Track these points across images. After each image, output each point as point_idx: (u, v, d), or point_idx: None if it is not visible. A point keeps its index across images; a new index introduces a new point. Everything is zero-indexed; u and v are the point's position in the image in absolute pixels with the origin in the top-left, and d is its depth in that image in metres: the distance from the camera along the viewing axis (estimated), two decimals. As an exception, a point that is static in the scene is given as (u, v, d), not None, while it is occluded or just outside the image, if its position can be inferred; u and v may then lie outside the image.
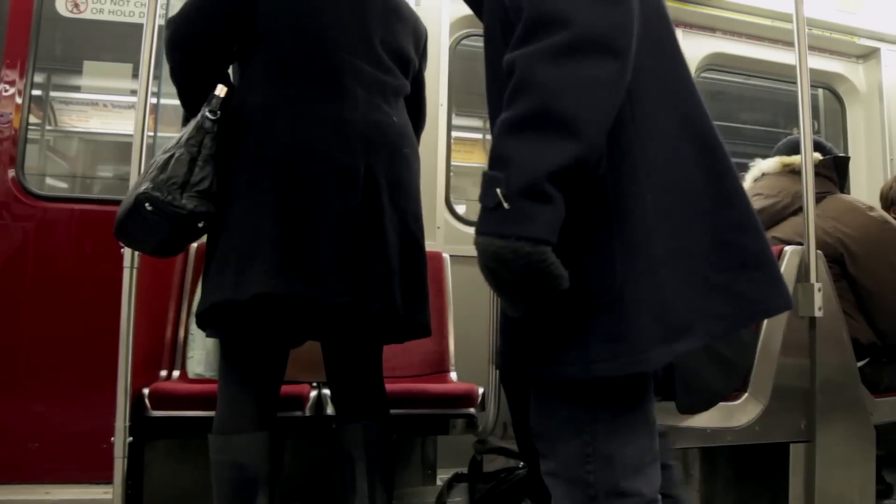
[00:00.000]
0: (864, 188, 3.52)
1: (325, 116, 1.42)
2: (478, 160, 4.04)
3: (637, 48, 0.93)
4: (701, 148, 1.03)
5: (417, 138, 1.75)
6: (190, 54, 1.48)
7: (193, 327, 2.00)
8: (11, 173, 2.28)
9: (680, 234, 0.99)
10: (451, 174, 2.90)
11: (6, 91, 2.32)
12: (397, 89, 1.61)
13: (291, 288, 1.33)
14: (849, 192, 2.97)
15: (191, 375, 2.11)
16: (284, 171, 1.38)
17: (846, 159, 2.46)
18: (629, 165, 0.97)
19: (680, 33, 3.27)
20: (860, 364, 2.11)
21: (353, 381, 1.63)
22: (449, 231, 2.78)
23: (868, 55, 3.63)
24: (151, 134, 2.10)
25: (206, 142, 1.40)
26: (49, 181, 3.03)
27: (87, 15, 2.52)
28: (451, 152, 2.89)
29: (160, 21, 1.79)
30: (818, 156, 2.29)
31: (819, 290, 1.96)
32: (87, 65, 2.76)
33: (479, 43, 1.79)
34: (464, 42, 3.04)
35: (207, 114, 1.41)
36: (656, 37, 1.04)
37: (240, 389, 1.46)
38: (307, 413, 1.83)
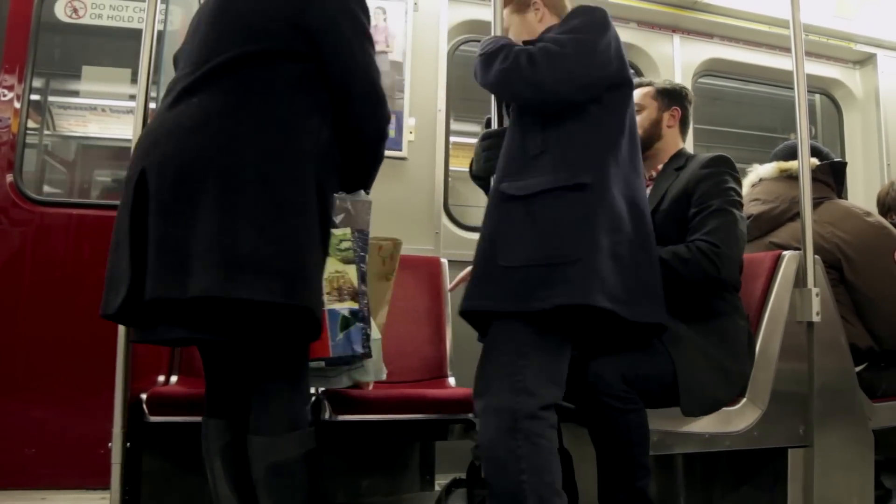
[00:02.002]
0: (861, 193, 3.54)
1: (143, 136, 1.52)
2: (476, 165, 4.03)
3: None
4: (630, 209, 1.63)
5: (355, 116, 1.57)
6: None
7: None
8: (9, 178, 2.28)
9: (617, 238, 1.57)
10: (450, 180, 2.90)
11: (5, 96, 2.32)
12: (222, 66, 1.45)
13: (105, 305, 1.45)
14: (846, 198, 2.98)
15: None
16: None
17: (843, 165, 2.47)
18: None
19: (678, 39, 3.31)
20: (858, 369, 2.12)
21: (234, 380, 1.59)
22: (448, 236, 2.78)
23: (865, 61, 3.65)
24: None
25: None
26: (47, 186, 3.03)
27: (86, 20, 2.53)
28: (449, 158, 2.90)
29: (159, 26, 1.80)
30: (815, 161, 2.30)
31: (817, 295, 1.96)
32: (86, 70, 2.77)
33: (477, 48, 1.80)
34: (462, 48, 3.05)
35: None
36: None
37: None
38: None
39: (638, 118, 2.13)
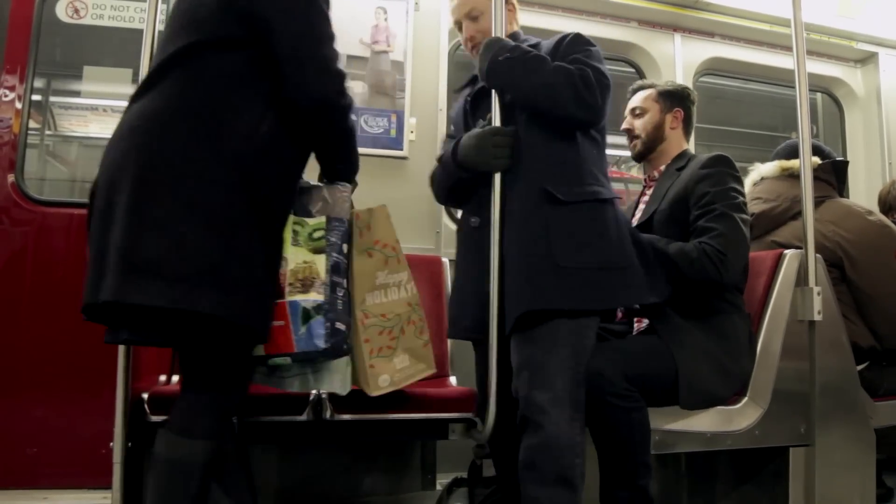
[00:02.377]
0: (862, 192, 3.53)
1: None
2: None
3: None
4: None
5: (292, 85, 1.43)
6: None
7: None
8: (11, 178, 2.28)
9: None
10: (451, 179, 2.90)
11: (6, 96, 2.32)
12: (158, 68, 1.43)
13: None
14: (847, 197, 2.98)
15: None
16: None
17: (845, 163, 2.46)
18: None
19: (679, 38, 3.30)
20: (860, 368, 2.11)
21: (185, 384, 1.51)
22: (448, 236, 2.78)
23: (866, 59, 3.64)
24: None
25: None
26: (48, 186, 3.03)
27: (88, 20, 2.53)
28: (450, 157, 2.89)
29: (160, 26, 1.80)
30: (817, 160, 2.30)
31: (818, 293, 1.96)
32: (87, 70, 2.77)
33: (489, 47, 1.79)
34: (462, 48, 3.05)
35: None
36: None
37: None
38: (304, 418, 1.82)
39: (641, 121, 2.13)
